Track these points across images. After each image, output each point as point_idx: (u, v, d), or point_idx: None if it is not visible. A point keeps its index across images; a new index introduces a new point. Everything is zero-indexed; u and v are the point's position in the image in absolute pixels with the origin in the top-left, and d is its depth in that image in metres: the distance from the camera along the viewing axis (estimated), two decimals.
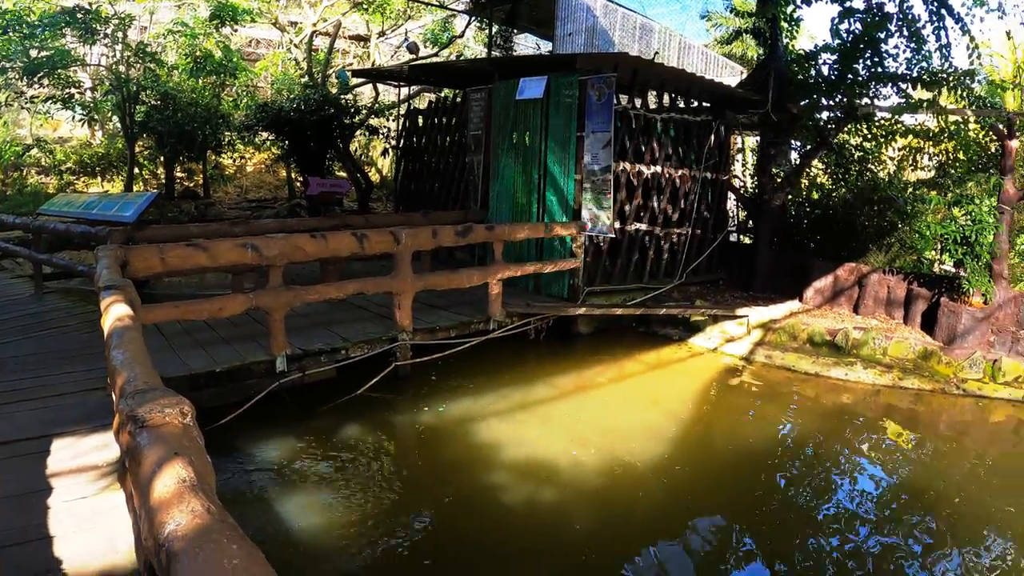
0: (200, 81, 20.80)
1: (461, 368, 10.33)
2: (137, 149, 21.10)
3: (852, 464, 8.95)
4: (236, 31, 22.92)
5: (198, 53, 20.27)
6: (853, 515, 7.63)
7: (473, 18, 25.30)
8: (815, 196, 16.28)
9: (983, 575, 6.85)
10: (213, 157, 22.73)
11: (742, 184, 18.06)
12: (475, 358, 10.55)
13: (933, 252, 14.21)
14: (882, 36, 13.44)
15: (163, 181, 21.69)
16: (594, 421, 9.29)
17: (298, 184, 22.46)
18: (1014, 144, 12.62)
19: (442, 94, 20.42)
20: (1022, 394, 11.29)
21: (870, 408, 10.62)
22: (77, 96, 20.23)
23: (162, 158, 21.34)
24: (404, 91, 21.49)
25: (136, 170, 21.80)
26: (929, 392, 10.97)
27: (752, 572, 6.45)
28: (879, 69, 13.88)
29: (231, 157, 24.67)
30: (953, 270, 13.34)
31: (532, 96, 12.90)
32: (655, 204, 13.76)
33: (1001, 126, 12.91)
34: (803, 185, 16.33)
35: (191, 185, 22.93)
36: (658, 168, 13.59)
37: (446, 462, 8.00)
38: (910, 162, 16.60)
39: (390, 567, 5.98)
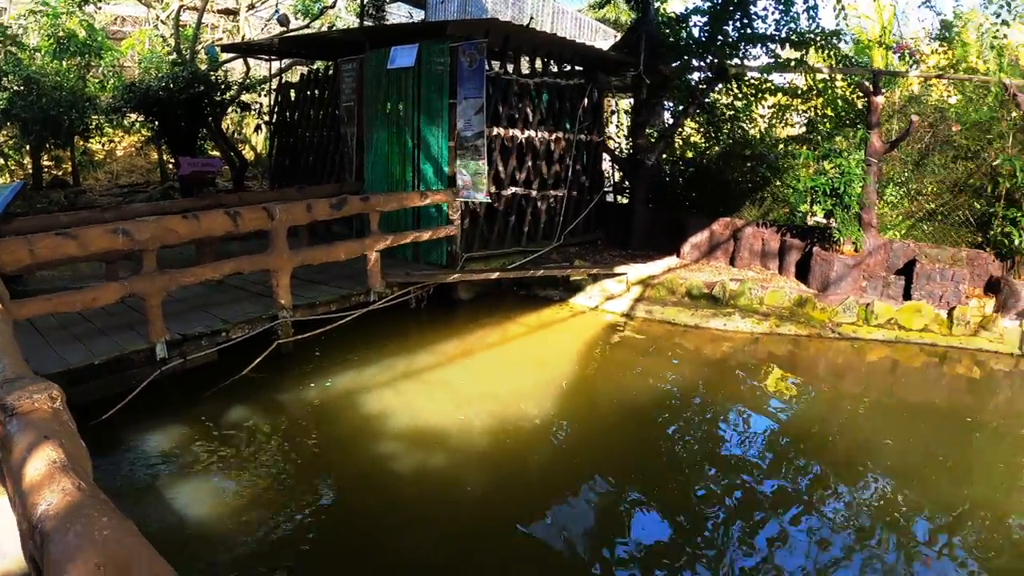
0: (64, 63, 19.81)
1: (345, 342, 10.21)
2: (0, 139, 20.13)
3: (738, 411, 9.14)
4: (100, 9, 21.87)
5: (61, 34, 19.32)
6: (742, 461, 7.81)
7: None
8: (689, 155, 16.59)
9: (868, 508, 7.13)
10: (81, 143, 21.73)
11: (617, 145, 18.28)
12: (358, 331, 10.44)
13: (805, 205, 14.64)
14: None
15: (30, 171, 20.73)
16: (480, 385, 9.28)
17: (170, 166, 21.70)
18: (879, 100, 13.10)
19: (314, 66, 20.02)
20: (895, 335, 11.78)
21: (751, 356, 10.91)
22: None
23: (27, 147, 20.38)
24: (276, 65, 20.96)
25: (0, 160, 20.82)
26: (806, 337, 11.35)
27: (648, 523, 6.50)
28: (748, 30, 14.19)
29: (100, 142, 23.64)
30: (824, 221, 13.79)
31: (403, 65, 12.75)
32: (530, 168, 13.80)
33: (867, 83, 13.39)
34: (677, 144, 16.61)
35: (59, 173, 21.90)
36: (532, 132, 13.62)
37: (336, 437, 7.87)
38: (780, 119, 17.05)
39: (285, 546, 5.90)
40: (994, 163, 13.40)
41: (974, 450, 9.20)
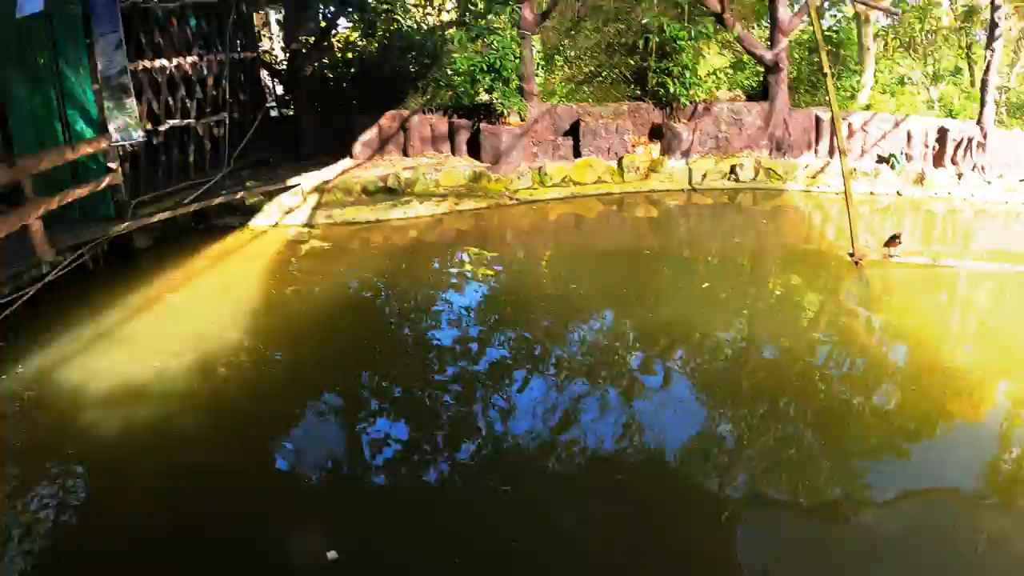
0: None
1: (29, 323, 8.92)
2: None
3: (435, 293, 8.99)
4: None
5: None
6: (455, 340, 7.68)
7: None
8: (350, 56, 16.02)
9: (583, 358, 7.28)
10: None
11: (274, 59, 17.42)
12: (40, 307, 9.18)
13: (467, 85, 14.50)
14: None
15: None
16: (173, 327, 8.43)
17: None
18: None
19: None
20: (571, 191, 11.98)
21: (438, 237, 10.77)
22: None
23: None
24: None
25: None
26: (487, 209, 11.31)
27: (382, 426, 6.13)
28: None
29: None
30: (488, 98, 13.71)
31: (33, 11, 11.24)
32: (185, 96, 12.73)
33: None
34: (336, 48, 15.99)
35: None
36: (182, 59, 12.50)
37: (41, 422, 6.87)
38: (433, 7, 16.83)
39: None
40: (643, 22, 13.81)
41: (663, 279, 9.57)
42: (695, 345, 7.93)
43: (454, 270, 9.66)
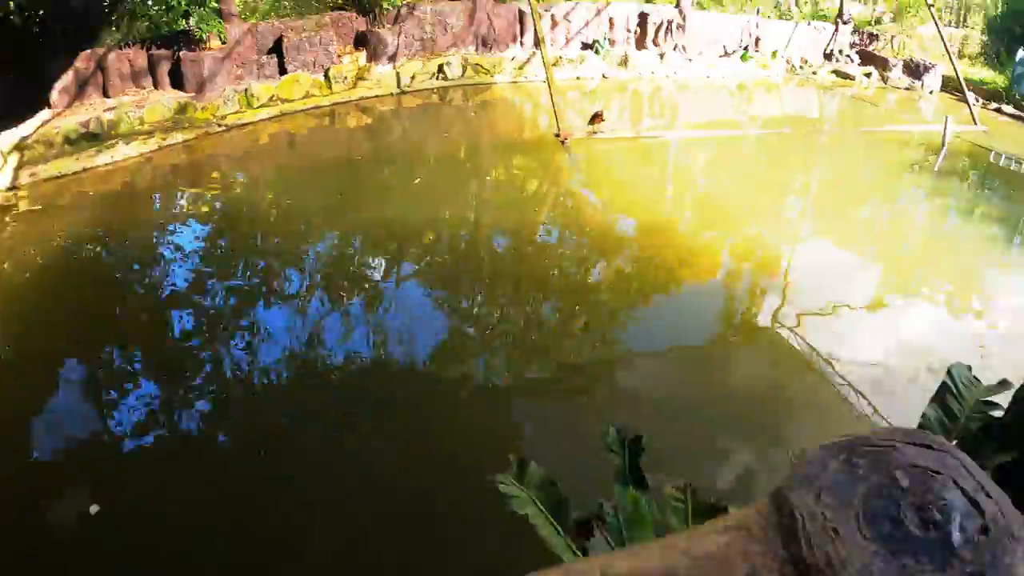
0: None
1: None
2: None
3: (165, 234, 8.79)
4: None
5: None
6: (195, 279, 7.63)
7: None
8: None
9: (313, 267, 7.76)
10: None
11: None
12: None
13: (164, 12, 14.01)
14: None
15: None
16: None
17: None
18: None
19: None
20: (279, 109, 12.06)
21: (152, 176, 10.57)
22: None
23: None
24: None
25: None
26: (196, 140, 11.22)
27: (127, 384, 6.00)
28: None
29: None
30: (187, 25, 13.36)
31: None
32: None
33: None
34: None
35: None
36: None
37: None
38: None
39: None
40: None
41: (383, 184, 9.99)
42: (427, 244, 8.41)
43: (173, 209, 9.58)
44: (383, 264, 7.91)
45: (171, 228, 9.02)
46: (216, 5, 12.76)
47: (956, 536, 1.01)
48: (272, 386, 5.90)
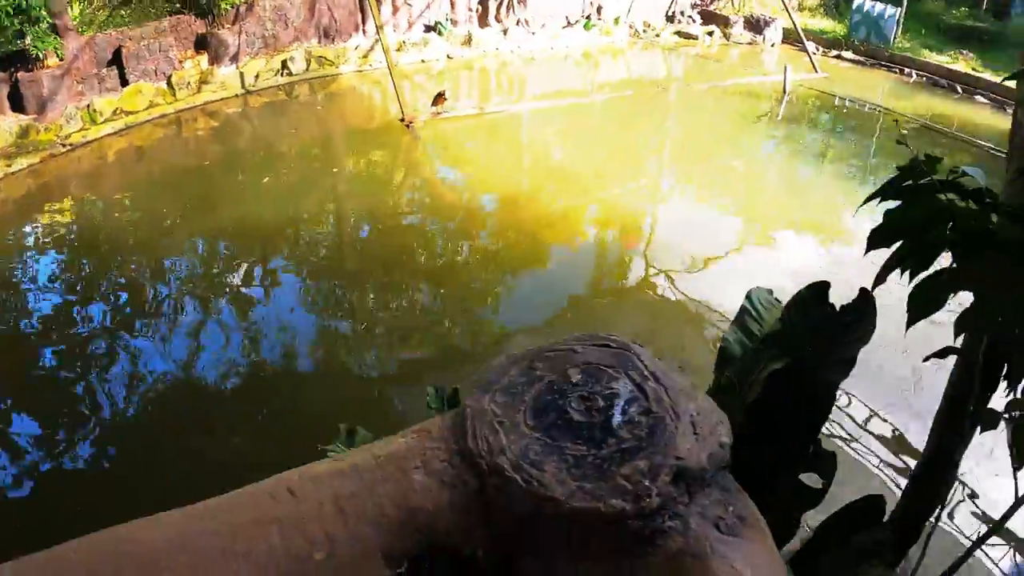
0: None
1: None
2: None
3: (18, 266, 8.80)
4: None
5: None
6: (59, 309, 7.70)
7: None
8: None
9: (180, 280, 8.02)
10: None
11: None
12: None
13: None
14: None
15: None
16: None
17: None
18: None
19: None
20: (123, 122, 12.21)
21: (3, 206, 10.44)
22: None
23: None
24: None
25: None
26: (41, 163, 11.26)
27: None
28: None
29: None
30: (23, 44, 13.24)
31: None
32: None
33: None
34: None
35: None
36: None
37: None
38: None
39: None
40: None
41: (238, 186, 10.25)
42: (292, 241, 8.72)
43: (27, 240, 9.53)
44: (250, 268, 8.22)
45: (22, 261, 8.96)
46: (51, 21, 12.70)
47: (617, 418, 1.16)
48: (149, 412, 6.15)
